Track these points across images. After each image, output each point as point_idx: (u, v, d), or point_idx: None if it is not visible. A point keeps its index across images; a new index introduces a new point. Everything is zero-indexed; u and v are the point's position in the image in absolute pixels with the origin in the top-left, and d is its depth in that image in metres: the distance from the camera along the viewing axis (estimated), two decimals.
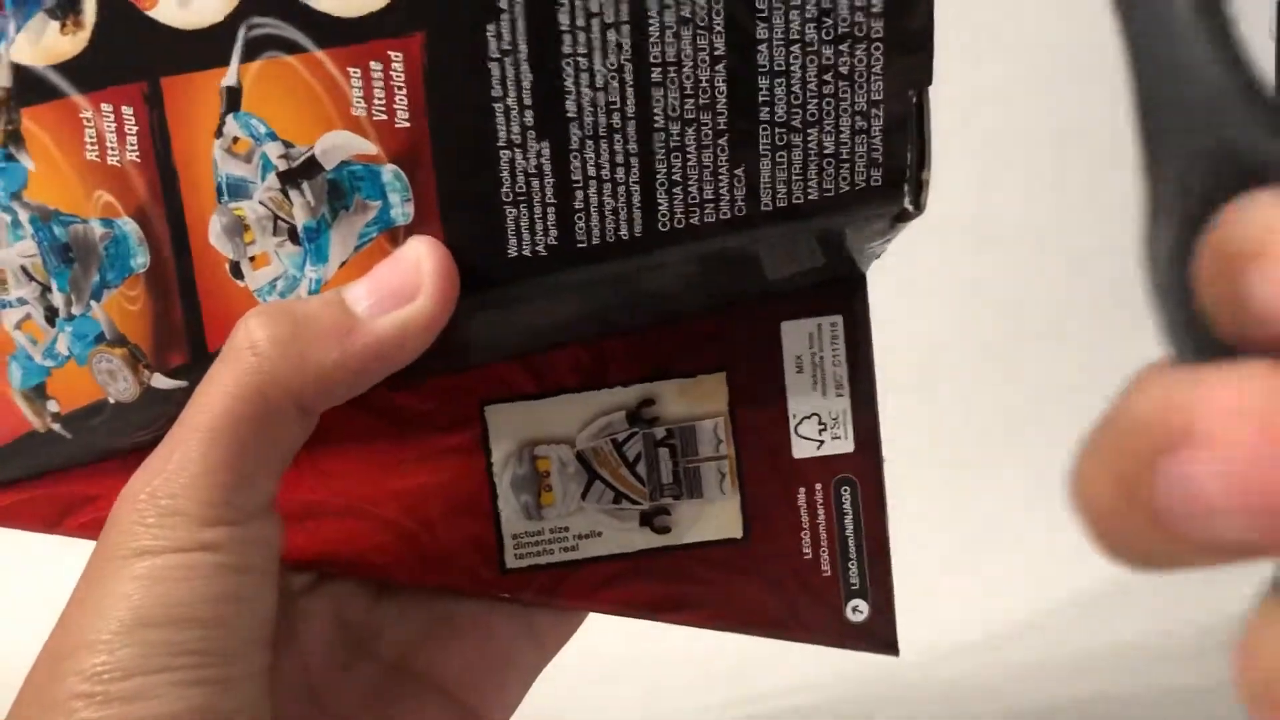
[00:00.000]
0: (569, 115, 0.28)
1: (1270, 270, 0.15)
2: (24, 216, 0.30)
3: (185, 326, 0.30)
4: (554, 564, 0.33)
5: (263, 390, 0.27)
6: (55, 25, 0.29)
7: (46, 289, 0.30)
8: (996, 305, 0.59)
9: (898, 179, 0.28)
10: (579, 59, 0.27)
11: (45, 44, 0.29)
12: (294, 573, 0.33)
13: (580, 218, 0.29)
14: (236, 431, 0.27)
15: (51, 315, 0.30)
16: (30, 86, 0.29)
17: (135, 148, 0.29)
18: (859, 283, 0.32)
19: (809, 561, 0.33)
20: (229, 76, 0.28)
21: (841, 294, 0.32)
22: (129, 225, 0.30)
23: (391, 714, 0.33)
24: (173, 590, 0.26)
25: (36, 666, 0.27)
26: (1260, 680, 0.15)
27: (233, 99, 0.28)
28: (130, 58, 0.29)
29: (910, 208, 0.28)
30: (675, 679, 0.49)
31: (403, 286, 0.28)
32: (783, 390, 0.33)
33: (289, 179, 0.29)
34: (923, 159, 0.28)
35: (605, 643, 0.37)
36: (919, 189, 0.28)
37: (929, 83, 0.28)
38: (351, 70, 0.28)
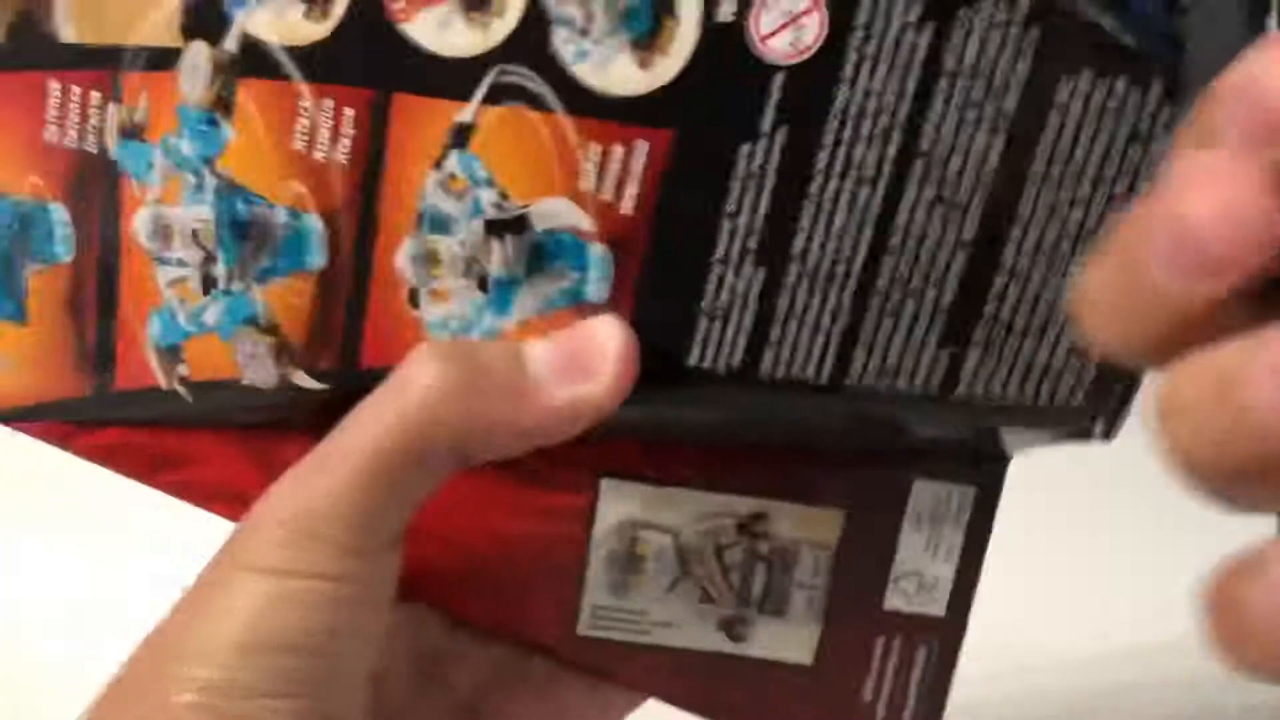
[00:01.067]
0: (793, 253, 0.27)
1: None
2: (210, 183, 0.29)
3: (344, 335, 0.29)
4: (624, 642, 0.33)
5: (427, 430, 0.27)
6: (301, 8, 0.27)
7: (211, 258, 0.29)
8: None
9: (1098, 407, 0.28)
10: (824, 202, 0.27)
11: (286, 23, 0.27)
12: None
13: (771, 351, 0.28)
14: (391, 466, 0.27)
15: (209, 284, 0.29)
16: (256, 60, 0.28)
17: (347, 150, 0.28)
18: (1001, 462, 0.32)
19: (867, 705, 0.34)
20: (465, 113, 0.27)
21: (982, 467, 0.32)
22: (315, 223, 0.29)
23: None
24: (301, 616, 0.26)
25: (141, 659, 0.27)
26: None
27: (462, 136, 0.27)
28: (370, 62, 0.27)
29: (1099, 434, 0.28)
30: None
31: (586, 362, 0.28)
32: (895, 542, 0.32)
33: (496, 229, 0.28)
34: (1130, 394, 0.28)
35: None
36: (1114, 421, 0.28)
37: None
38: (592, 145, 0.27)
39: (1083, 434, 0.29)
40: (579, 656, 0.33)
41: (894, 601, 0.33)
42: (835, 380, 0.28)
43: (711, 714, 0.34)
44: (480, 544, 0.32)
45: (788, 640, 0.33)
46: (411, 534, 0.30)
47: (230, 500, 0.31)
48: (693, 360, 0.28)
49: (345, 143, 0.28)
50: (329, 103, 0.28)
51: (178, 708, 0.25)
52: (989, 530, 0.33)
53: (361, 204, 0.28)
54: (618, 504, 0.32)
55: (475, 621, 0.33)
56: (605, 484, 0.32)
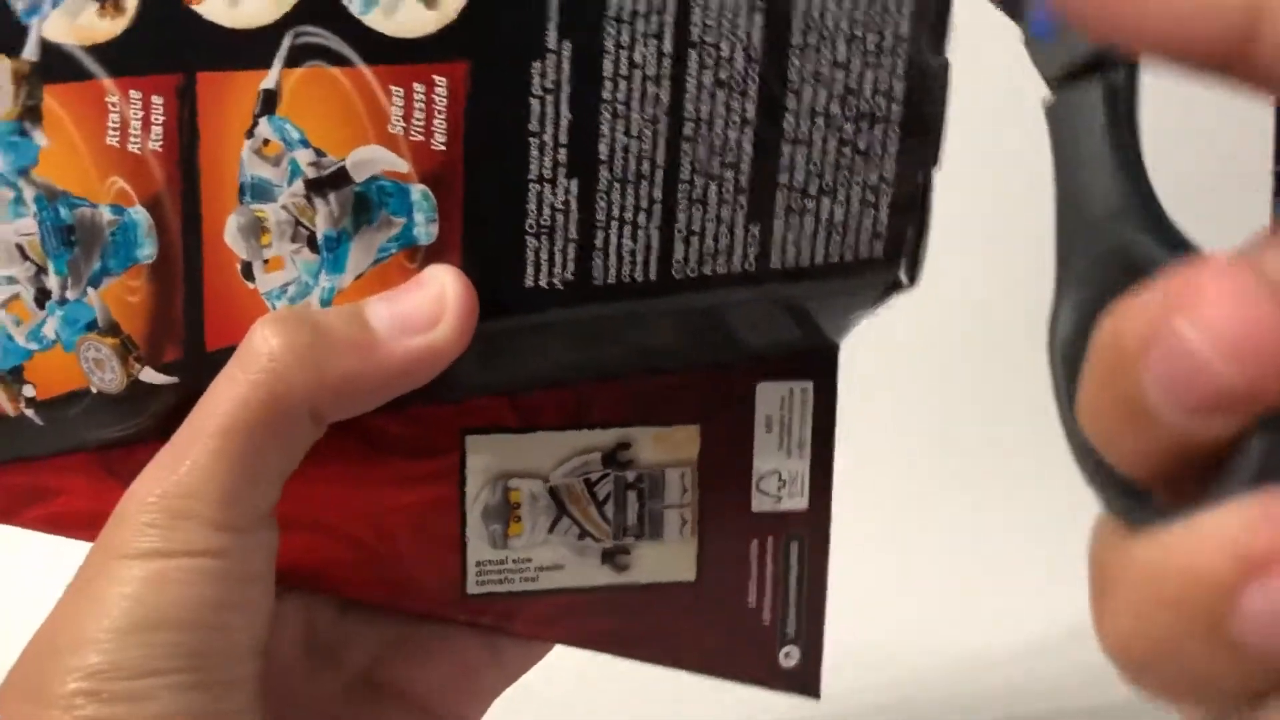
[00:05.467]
0: (600, 158, 0.29)
1: (1158, 357, 0.15)
2: (29, 194, 0.29)
3: (185, 322, 0.30)
4: (513, 593, 0.33)
5: (278, 396, 0.27)
6: (94, 6, 0.28)
7: (41, 270, 0.30)
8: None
9: (896, 253, 0.30)
10: (618, 106, 0.29)
11: (81, 23, 0.28)
12: None
13: (599, 256, 0.30)
14: (251, 436, 0.27)
15: (43, 297, 0.30)
16: (57, 64, 0.29)
17: (160, 138, 0.29)
18: (831, 353, 0.34)
19: (752, 609, 0.35)
20: (269, 79, 0.29)
21: (815, 362, 0.34)
22: (140, 214, 0.29)
23: None
24: (179, 593, 0.26)
25: (29, 658, 0.26)
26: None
27: (269, 102, 0.29)
28: (169, 48, 0.29)
29: (904, 280, 0.31)
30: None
31: (426, 312, 0.29)
32: (750, 447, 0.34)
33: (316, 187, 0.29)
34: (921, 237, 0.30)
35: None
36: (914, 264, 0.30)
37: (937, 165, 0.30)
38: (394, 89, 0.28)
39: (893, 287, 0.31)
40: (473, 616, 0.33)
41: (760, 504, 0.34)
42: (663, 276, 0.30)
43: (609, 648, 0.34)
44: (358, 525, 0.33)
45: (668, 561, 0.34)
46: (289, 525, 0.30)
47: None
48: (529, 281, 0.30)
49: (157, 130, 0.29)
50: (136, 94, 0.29)
51: (65, 697, 0.25)
52: (833, 421, 0.34)
53: (183, 187, 0.29)
54: (484, 457, 0.33)
55: (366, 600, 0.33)
56: (470, 440, 0.33)
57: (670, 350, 0.33)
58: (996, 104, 0.45)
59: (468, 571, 0.33)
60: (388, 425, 0.32)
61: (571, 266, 0.30)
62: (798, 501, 0.35)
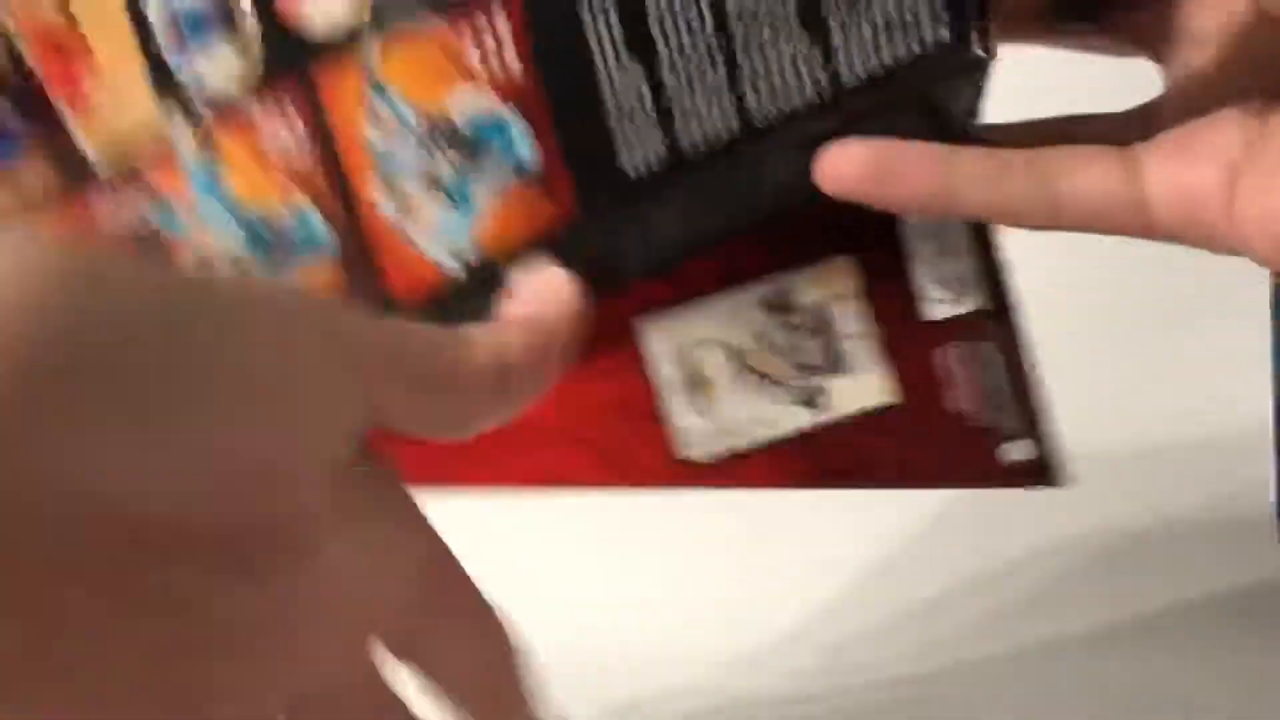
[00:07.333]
0: (653, 34, 0.31)
1: None
2: (226, 208, 0.35)
3: (373, 292, 0.35)
4: (725, 451, 0.36)
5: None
6: (227, 49, 0.34)
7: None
8: None
9: (965, 30, 0.30)
10: None
11: (224, 62, 0.34)
12: None
13: (682, 124, 0.32)
14: None
15: None
16: (216, 105, 0.34)
17: (305, 140, 0.34)
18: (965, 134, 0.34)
19: (960, 413, 0.35)
20: (369, 53, 0.33)
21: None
22: (309, 208, 0.35)
23: None
24: None
25: None
26: None
27: (372, 75, 0.33)
28: (286, 57, 0.33)
29: (981, 54, 0.30)
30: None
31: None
32: (910, 260, 0.35)
33: (431, 141, 0.33)
34: (984, 7, 0.30)
35: None
36: (985, 35, 0.30)
37: None
38: (465, 26, 0.32)
39: (976, 64, 0.31)
40: (694, 480, 0.36)
41: (936, 312, 0.35)
42: (746, 123, 0.31)
43: (831, 482, 0.36)
44: (583, 426, 0.36)
45: (863, 389, 0.35)
46: (539, 443, 0.34)
47: None
48: (626, 166, 0.32)
49: (300, 129, 0.34)
50: (273, 105, 0.34)
51: None
52: None
53: (333, 177, 0.34)
54: (660, 337, 0.36)
55: (597, 487, 0.37)
56: (643, 325, 0.36)
57: (795, 188, 0.34)
58: None
59: (679, 440, 0.36)
60: None
61: (661, 143, 0.32)
62: (975, 301, 0.35)
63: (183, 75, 0.34)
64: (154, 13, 0.34)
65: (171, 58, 0.34)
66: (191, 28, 0.34)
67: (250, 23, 0.33)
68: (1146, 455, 0.55)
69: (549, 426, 0.37)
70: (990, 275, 0.34)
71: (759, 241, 0.35)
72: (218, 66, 0.34)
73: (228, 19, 0.33)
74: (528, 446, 0.37)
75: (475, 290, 0.34)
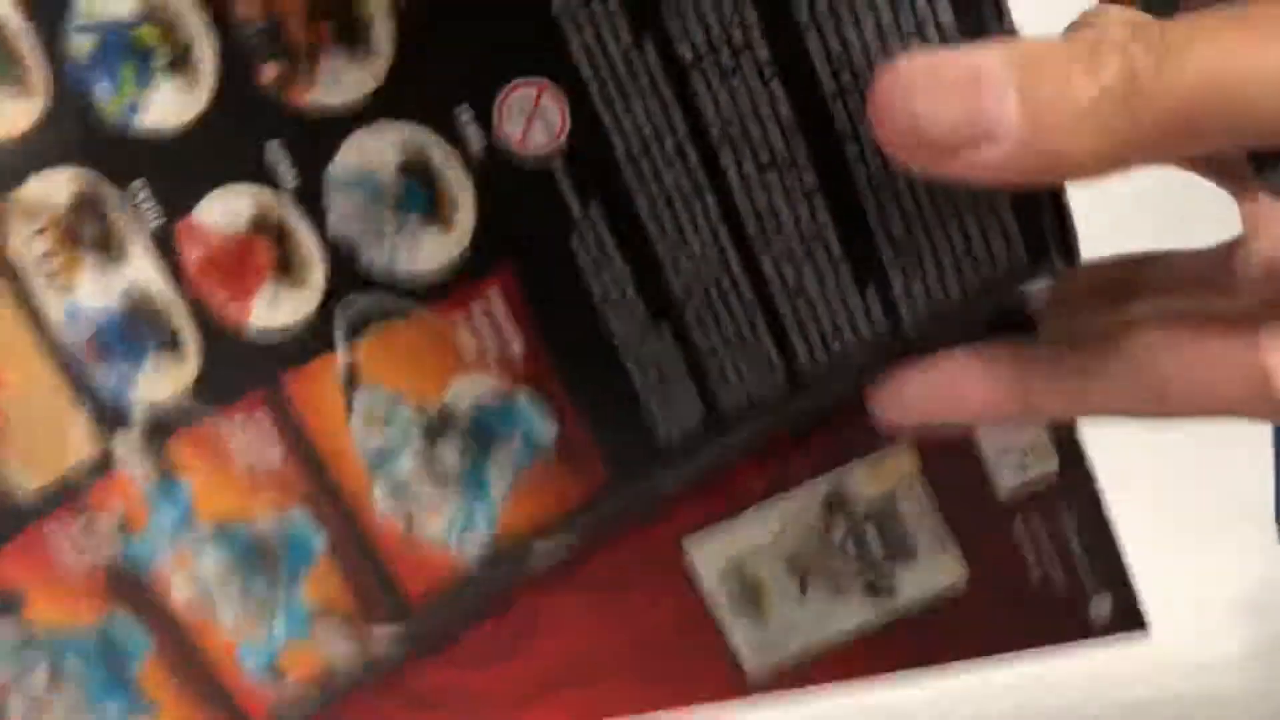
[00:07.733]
0: (676, 294, 0.27)
1: None
2: (205, 534, 0.31)
3: (382, 589, 0.31)
4: (793, 657, 0.33)
5: None
6: (168, 356, 0.29)
7: (246, 590, 0.31)
8: None
9: (1042, 246, 0.26)
10: (670, 236, 0.26)
11: (164, 377, 0.29)
12: None
13: (720, 386, 0.28)
14: None
15: (261, 611, 0.31)
16: (173, 418, 0.29)
17: (278, 447, 0.29)
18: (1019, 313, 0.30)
19: (1042, 584, 0.33)
20: (341, 357, 0.28)
21: (1018, 329, 0.31)
22: (299, 515, 0.30)
23: None
24: None
25: None
26: None
27: (352, 376, 0.28)
28: (248, 369, 0.29)
29: (1060, 264, 0.27)
30: None
31: None
32: (973, 435, 0.31)
33: (430, 434, 0.29)
34: (1064, 216, 0.26)
35: None
36: (1065, 242, 0.26)
37: None
38: (457, 315, 0.27)
39: (1048, 270, 0.27)
40: (761, 690, 0.33)
41: (1007, 480, 0.32)
42: (792, 369, 0.28)
43: (911, 668, 0.33)
44: (633, 656, 0.33)
45: (934, 572, 0.32)
46: (567, 683, 0.31)
47: None
48: (662, 436, 0.28)
49: (273, 442, 0.29)
50: (240, 419, 0.29)
51: None
52: None
53: (319, 481, 0.30)
54: (709, 552, 0.32)
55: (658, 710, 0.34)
56: (688, 544, 0.32)
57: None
58: None
59: (740, 656, 0.33)
60: (606, 560, 0.32)
61: (698, 407, 0.28)
62: (1047, 465, 0.32)
63: (122, 398, 0.29)
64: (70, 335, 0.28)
65: (102, 378, 0.29)
66: (123, 345, 0.29)
67: (191, 338, 0.28)
68: (1146, 454, 0.54)
69: (602, 661, 0.33)
70: (1063, 435, 0.31)
71: (804, 439, 0.31)
72: (162, 379, 0.29)
73: (166, 335, 0.28)
74: (584, 682, 0.33)
75: (499, 570, 0.30)
